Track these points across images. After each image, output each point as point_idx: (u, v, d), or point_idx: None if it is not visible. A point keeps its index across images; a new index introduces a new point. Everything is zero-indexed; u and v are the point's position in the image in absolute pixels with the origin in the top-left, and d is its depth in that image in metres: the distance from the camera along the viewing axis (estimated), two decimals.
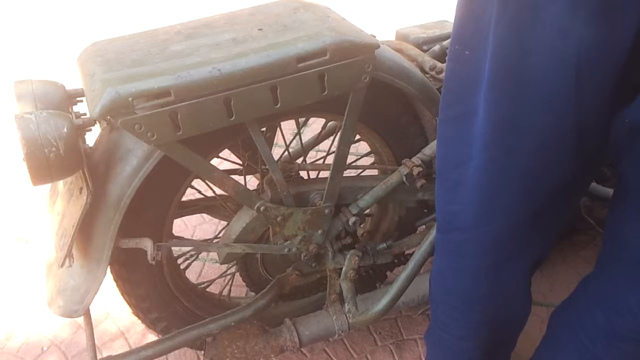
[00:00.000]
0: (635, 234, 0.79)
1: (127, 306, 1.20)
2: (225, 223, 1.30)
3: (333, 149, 1.09)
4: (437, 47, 1.34)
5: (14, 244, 1.88)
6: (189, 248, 1.33)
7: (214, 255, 1.72)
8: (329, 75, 0.92)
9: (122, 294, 1.17)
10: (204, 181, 1.07)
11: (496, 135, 0.78)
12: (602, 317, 0.88)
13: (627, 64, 0.64)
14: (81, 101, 1.01)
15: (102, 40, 1.00)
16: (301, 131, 1.36)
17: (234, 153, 1.25)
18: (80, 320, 1.52)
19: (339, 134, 1.06)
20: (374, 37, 1.01)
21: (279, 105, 0.91)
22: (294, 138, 1.37)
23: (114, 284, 1.15)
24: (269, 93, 0.90)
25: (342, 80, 0.94)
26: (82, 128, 0.90)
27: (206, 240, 1.53)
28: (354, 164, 1.32)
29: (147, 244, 1.00)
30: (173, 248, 1.21)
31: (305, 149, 1.38)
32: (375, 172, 1.29)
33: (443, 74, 1.18)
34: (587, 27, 0.63)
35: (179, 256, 1.32)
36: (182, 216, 1.32)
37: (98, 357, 1.10)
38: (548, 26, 0.65)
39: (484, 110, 0.77)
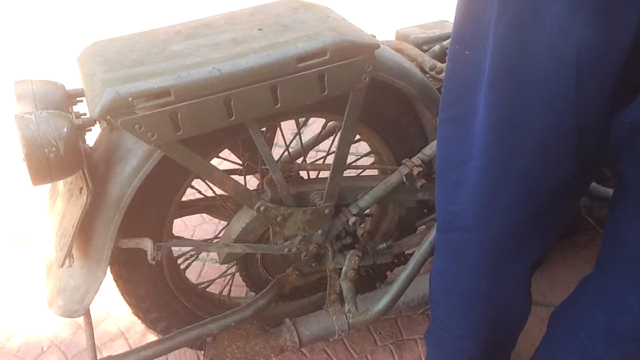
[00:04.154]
0: (635, 234, 0.79)
1: (127, 306, 1.20)
2: (225, 223, 1.30)
3: (333, 149, 1.09)
4: (437, 47, 1.34)
5: (14, 244, 1.88)
6: (189, 248, 1.33)
7: (214, 255, 1.72)
8: (329, 75, 0.92)
9: (122, 294, 1.17)
10: (204, 181, 1.07)
11: (496, 135, 0.78)
12: (602, 317, 0.88)
13: (627, 64, 0.64)
14: (81, 101, 1.01)
15: (102, 40, 1.00)
16: (301, 131, 1.36)
17: (234, 153, 1.25)
18: (80, 320, 1.52)
19: (339, 134, 1.06)
20: (374, 37, 1.01)
21: (279, 105, 0.91)
22: (294, 138, 1.37)
23: (114, 284, 1.15)
24: (269, 93, 0.90)
25: (342, 80, 0.94)
26: (82, 128, 0.90)
27: (206, 240, 1.53)
28: (354, 164, 1.32)
29: (147, 244, 1.00)
30: (173, 248, 1.21)
31: (305, 149, 1.38)
32: (375, 172, 1.29)
33: (443, 74, 1.18)
34: (587, 27, 0.63)
35: (179, 256, 1.32)
36: (182, 216, 1.32)
37: (98, 357, 1.10)
38: (548, 26, 0.65)
39: (484, 110, 0.77)
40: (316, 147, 1.45)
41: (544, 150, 0.75)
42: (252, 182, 1.55)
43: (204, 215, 1.87)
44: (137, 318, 1.24)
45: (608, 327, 0.87)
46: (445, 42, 1.33)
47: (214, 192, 1.29)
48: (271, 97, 0.90)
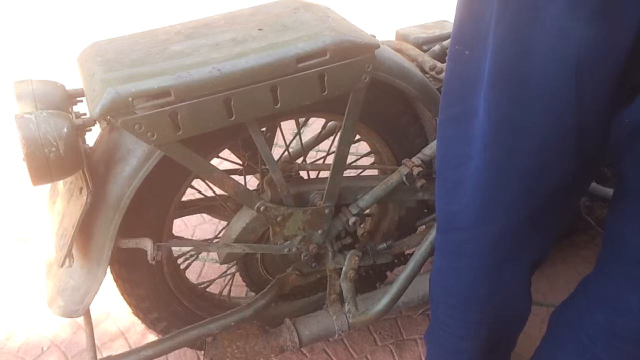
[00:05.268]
0: (635, 234, 0.79)
1: (127, 306, 1.20)
2: (225, 223, 1.30)
3: (333, 149, 1.09)
4: (437, 47, 1.34)
5: (14, 244, 1.88)
6: (189, 248, 1.33)
7: (214, 255, 1.72)
8: (329, 75, 0.92)
9: (122, 294, 1.17)
10: (204, 181, 1.07)
11: (496, 135, 0.78)
12: (602, 317, 0.88)
13: (627, 64, 0.64)
14: (81, 101, 1.01)
15: (102, 40, 1.00)
16: (301, 131, 1.36)
17: (234, 153, 1.25)
18: (80, 320, 1.52)
19: (339, 134, 1.06)
20: (374, 37, 1.01)
21: (279, 105, 0.91)
22: (294, 138, 1.37)
23: (114, 284, 1.15)
24: (269, 93, 0.90)
25: (342, 80, 0.94)
26: (82, 128, 0.90)
27: (206, 240, 1.53)
28: (354, 164, 1.32)
29: (147, 244, 1.00)
30: (173, 248, 1.21)
31: (305, 149, 1.38)
32: (375, 172, 1.29)
33: (443, 74, 1.18)
34: (587, 27, 0.63)
35: (179, 256, 1.32)
36: (182, 216, 1.32)
37: (98, 357, 1.10)
38: (548, 26, 0.65)
39: (484, 110, 0.77)
40: (316, 147, 1.45)
41: (544, 150, 0.75)
42: (252, 182, 1.55)
43: (204, 215, 1.87)
44: (137, 318, 1.24)
45: (608, 327, 0.87)
46: (445, 42, 1.34)
47: (214, 192, 1.29)
48: (271, 97, 0.90)
